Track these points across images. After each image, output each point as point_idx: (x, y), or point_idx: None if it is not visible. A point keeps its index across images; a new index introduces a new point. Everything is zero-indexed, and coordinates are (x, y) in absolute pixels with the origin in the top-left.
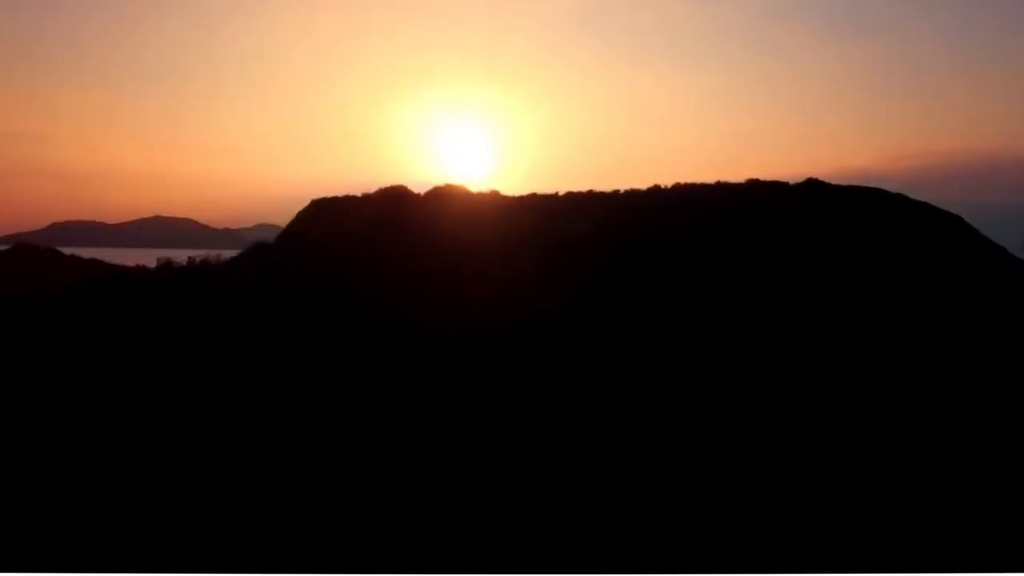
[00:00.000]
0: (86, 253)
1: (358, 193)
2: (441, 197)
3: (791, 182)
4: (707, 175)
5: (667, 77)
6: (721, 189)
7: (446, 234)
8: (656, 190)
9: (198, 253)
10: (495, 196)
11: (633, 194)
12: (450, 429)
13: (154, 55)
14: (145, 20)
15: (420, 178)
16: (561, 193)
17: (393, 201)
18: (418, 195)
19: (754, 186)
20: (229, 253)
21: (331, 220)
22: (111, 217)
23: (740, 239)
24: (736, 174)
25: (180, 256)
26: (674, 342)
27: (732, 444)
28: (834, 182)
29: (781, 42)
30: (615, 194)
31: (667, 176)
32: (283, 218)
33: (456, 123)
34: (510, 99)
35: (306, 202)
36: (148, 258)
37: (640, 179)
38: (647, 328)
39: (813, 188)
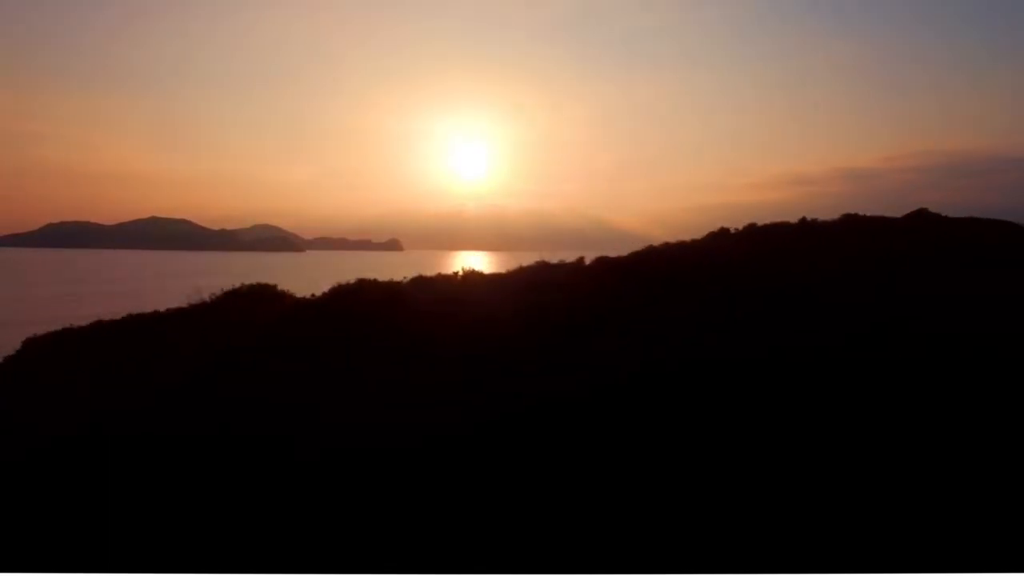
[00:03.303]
0: (82, 254)
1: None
2: (349, 311)
3: (897, 215)
4: (707, 174)
5: (666, 78)
6: (807, 231)
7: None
8: (723, 234)
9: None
10: (469, 283)
11: (689, 249)
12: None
13: (152, 56)
14: (143, 21)
15: (419, 178)
16: (588, 260)
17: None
18: (307, 305)
19: (851, 223)
20: (224, 254)
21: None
22: (107, 218)
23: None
24: (736, 174)
25: (178, 257)
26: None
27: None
28: (940, 212)
29: (780, 43)
30: (665, 250)
31: (667, 175)
32: (280, 219)
33: (456, 125)
34: (510, 100)
35: (305, 202)
36: (145, 259)
37: (641, 178)
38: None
39: (924, 220)
